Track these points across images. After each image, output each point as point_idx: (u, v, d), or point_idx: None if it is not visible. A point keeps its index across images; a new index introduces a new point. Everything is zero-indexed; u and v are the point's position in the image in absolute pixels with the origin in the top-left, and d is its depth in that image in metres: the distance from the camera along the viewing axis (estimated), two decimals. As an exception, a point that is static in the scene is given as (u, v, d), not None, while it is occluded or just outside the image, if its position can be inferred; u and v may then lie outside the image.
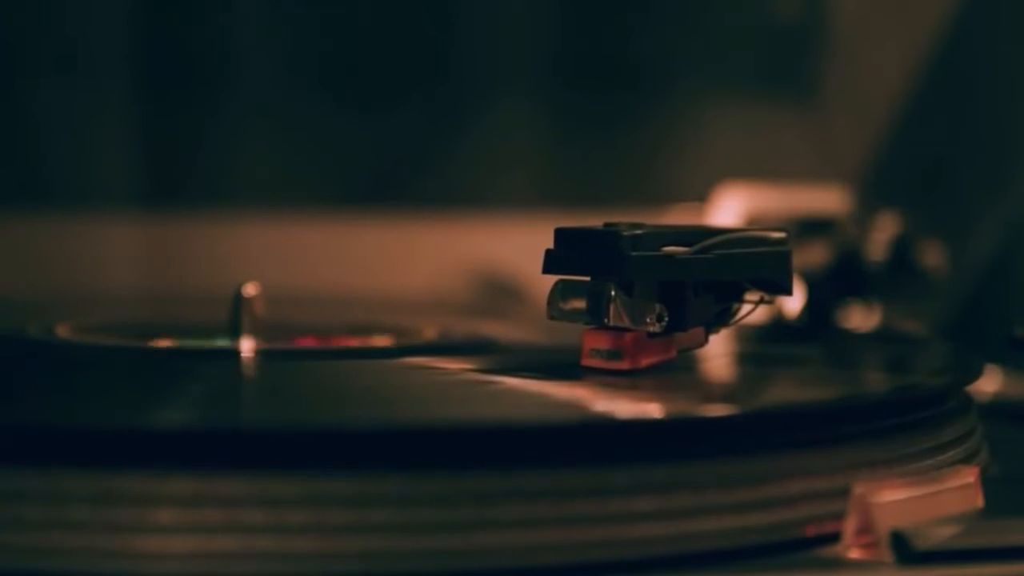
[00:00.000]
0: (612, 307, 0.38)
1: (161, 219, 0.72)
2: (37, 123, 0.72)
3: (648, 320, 0.38)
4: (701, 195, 0.64)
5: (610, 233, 0.38)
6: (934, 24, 0.72)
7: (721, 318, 0.40)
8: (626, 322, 0.38)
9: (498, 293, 0.71)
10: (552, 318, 0.39)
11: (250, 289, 0.46)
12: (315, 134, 0.75)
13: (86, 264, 0.71)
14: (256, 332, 0.46)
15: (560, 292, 0.39)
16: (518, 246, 0.56)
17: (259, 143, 0.73)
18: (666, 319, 0.39)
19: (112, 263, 0.71)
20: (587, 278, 0.38)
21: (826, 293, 0.59)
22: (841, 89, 0.77)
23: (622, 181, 0.77)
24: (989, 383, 0.51)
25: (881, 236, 0.60)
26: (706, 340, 0.40)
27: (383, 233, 0.74)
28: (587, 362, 0.39)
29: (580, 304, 0.38)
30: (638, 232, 0.38)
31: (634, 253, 0.38)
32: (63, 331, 0.49)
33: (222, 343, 0.46)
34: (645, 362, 0.39)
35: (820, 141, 0.76)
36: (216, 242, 0.72)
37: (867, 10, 0.77)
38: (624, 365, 0.38)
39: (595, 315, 0.38)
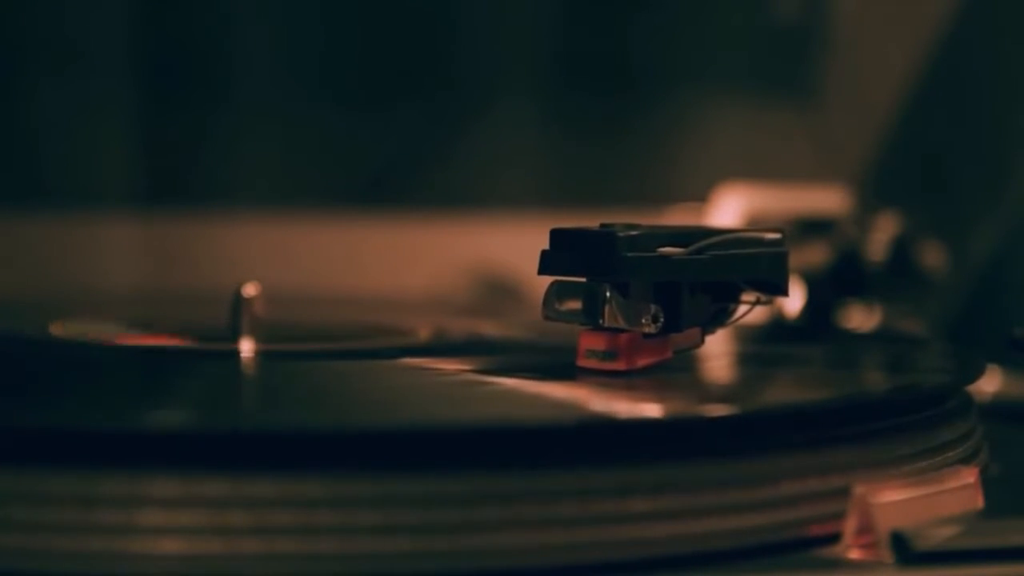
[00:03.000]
0: (607, 308, 0.38)
1: (161, 219, 0.72)
2: (37, 123, 0.72)
3: (643, 321, 0.38)
4: (701, 196, 0.64)
5: (605, 234, 0.38)
6: (934, 24, 0.72)
7: (717, 319, 0.40)
8: (621, 323, 0.38)
9: (497, 293, 0.71)
10: (548, 319, 0.39)
11: (250, 289, 0.46)
12: (315, 134, 0.75)
13: (86, 264, 0.71)
14: (256, 332, 0.46)
15: (556, 293, 0.39)
16: (518, 246, 0.56)
17: (259, 143, 0.73)
18: (661, 320, 0.38)
19: (112, 263, 0.71)
20: (583, 279, 0.38)
21: (826, 293, 0.59)
22: (841, 89, 0.76)
23: (622, 181, 0.77)
24: (989, 383, 0.51)
25: (881, 236, 0.59)
26: (702, 341, 0.40)
27: (383, 233, 0.74)
28: (583, 363, 0.39)
29: (576, 305, 0.38)
30: (633, 233, 0.38)
31: (629, 254, 0.37)
32: (62, 331, 0.49)
33: (222, 343, 0.46)
34: (641, 363, 0.39)
35: (820, 141, 0.76)
36: (216, 242, 0.72)
37: (867, 10, 0.77)
38: (620, 366, 0.38)
39: (590, 316, 0.38)
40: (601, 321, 0.38)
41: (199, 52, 0.73)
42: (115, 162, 0.72)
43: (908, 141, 0.73)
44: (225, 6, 0.73)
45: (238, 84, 0.73)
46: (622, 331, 0.38)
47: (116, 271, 0.71)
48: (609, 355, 0.38)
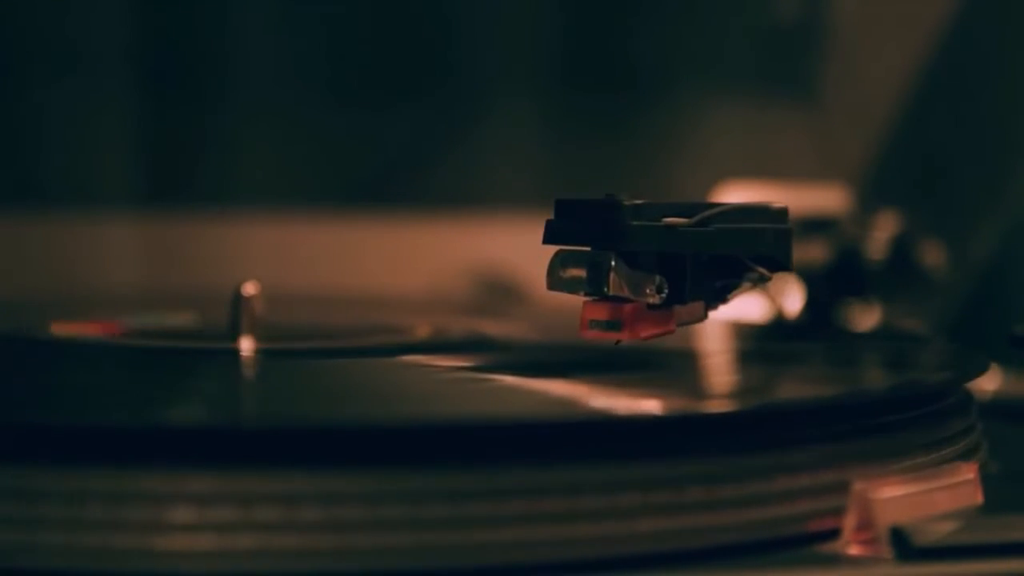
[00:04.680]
0: (612, 276, 0.37)
1: (161, 219, 0.72)
2: (37, 123, 0.72)
3: (648, 291, 0.38)
4: (702, 195, 0.64)
5: (610, 203, 0.37)
6: (934, 24, 0.72)
7: (721, 294, 0.40)
8: (626, 292, 0.38)
9: (497, 293, 0.71)
10: (551, 288, 0.38)
11: (250, 289, 0.46)
12: (315, 134, 0.75)
13: (86, 264, 0.71)
14: (255, 332, 0.46)
15: (560, 262, 0.38)
16: (518, 246, 0.56)
17: (259, 143, 0.73)
18: (666, 290, 0.38)
19: (112, 263, 0.71)
20: (587, 248, 0.38)
21: (826, 292, 0.59)
22: (841, 89, 0.77)
23: (622, 181, 0.77)
24: (989, 381, 0.51)
25: (881, 236, 0.60)
26: (705, 315, 0.40)
27: (383, 233, 0.74)
28: (586, 334, 0.38)
29: (580, 273, 0.38)
30: (638, 202, 0.38)
31: (634, 222, 0.37)
32: (62, 330, 0.49)
33: (221, 342, 0.46)
34: (644, 333, 0.38)
35: (820, 141, 0.76)
36: (216, 242, 0.72)
37: (867, 10, 0.77)
38: (623, 335, 0.38)
39: (594, 285, 0.38)
40: (605, 290, 0.38)
41: (199, 52, 0.73)
42: (115, 162, 0.72)
43: (908, 141, 0.73)
44: (225, 6, 0.73)
45: (238, 84, 0.73)
46: (626, 301, 0.38)
47: (116, 271, 0.71)
48: (613, 325, 0.38)
